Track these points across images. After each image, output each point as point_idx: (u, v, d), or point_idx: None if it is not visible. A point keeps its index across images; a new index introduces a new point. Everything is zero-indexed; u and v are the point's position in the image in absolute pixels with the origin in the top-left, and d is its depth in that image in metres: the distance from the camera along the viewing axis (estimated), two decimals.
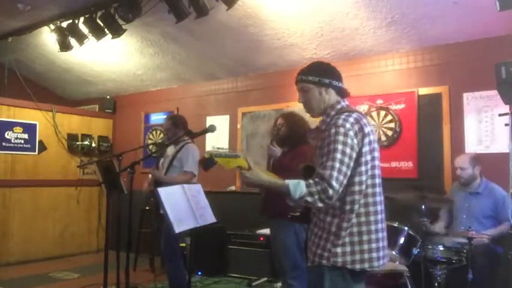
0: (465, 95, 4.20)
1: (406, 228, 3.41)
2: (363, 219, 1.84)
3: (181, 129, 4.00)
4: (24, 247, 5.90)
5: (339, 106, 1.99)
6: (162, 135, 6.39)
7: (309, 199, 1.76)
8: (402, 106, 4.51)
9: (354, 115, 1.90)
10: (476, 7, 3.68)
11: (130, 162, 3.27)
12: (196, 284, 4.68)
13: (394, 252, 3.39)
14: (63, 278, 5.18)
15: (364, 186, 1.85)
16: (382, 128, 4.58)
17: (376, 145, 1.93)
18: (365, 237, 1.83)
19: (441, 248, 3.31)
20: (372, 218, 1.85)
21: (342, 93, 2.03)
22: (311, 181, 1.78)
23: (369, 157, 1.87)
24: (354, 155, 1.82)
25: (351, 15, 4.09)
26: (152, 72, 6.11)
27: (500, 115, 3.65)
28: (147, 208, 5.47)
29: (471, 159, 3.70)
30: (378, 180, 1.91)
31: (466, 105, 4.20)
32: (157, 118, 6.57)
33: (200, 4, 3.89)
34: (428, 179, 4.27)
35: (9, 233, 5.78)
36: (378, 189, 1.90)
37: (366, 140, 1.86)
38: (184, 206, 2.95)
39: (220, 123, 5.74)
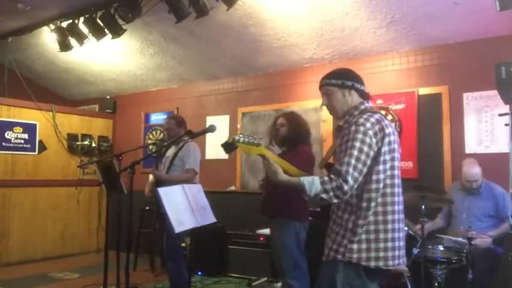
0: (465, 95, 4.20)
1: (406, 228, 3.41)
2: (380, 217, 1.86)
3: (183, 129, 4.00)
4: (24, 247, 5.90)
5: (362, 107, 2.03)
6: (162, 135, 6.39)
7: (324, 196, 1.79)
8: (402, 106, 4.51)
9: (376, 116, 1.94)
10: (476, 7, 3.68)
11: (130, 162, 3.27)
12: (196, 284, 4.68)
13: None
14: (63, 278, 5.18)
15: (381, 185, 1.87)
16: None
17: (396, 146, 1.95)
18: (381, 236, 1.85)
19: (441, 248, 3.32)
20: (389, 217, 1.86)
21: (365, 96, 2.08)
22: (326, 178, 1.82)
23: (388, 157, 1.89)
24: (372, 153, 1.85)
25: (351, 15, 4.09)
26: (152, 72, 6.11)
27: (500, 115, 3.65)
28: (147, 208, 5.47)
29: (479, 167, 3.65)
30: (397, 181, 1.93)
31: (466, 105, 4.19)
32: (157, 118, 6.57)
33: (200, 4, 3.89)
34: (428, 179, 4.27)
35: (9, 233, 5.78)
36: (397, 189, 1.92)
37: (386, 140, 1.88)
38: (184, 206, 2.95)
39: (220, 123, 5.74)
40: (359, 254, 1.84)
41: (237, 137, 1.94)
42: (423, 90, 4.43)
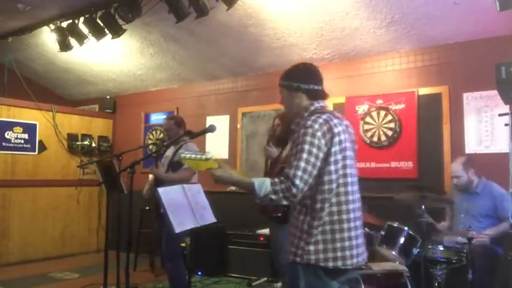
0: (465, 95, 4.20)
1: (406, 228, 3.41)
2: (335, 217, 1.86)
3: (183, 129, 4.01)
4: (24, 247, 5.90)
5: (312, 108, 2.02)
6: (162, 135, 6.39)
7: (273, 197, 1.80)
8: (402, 106, 4.51)
9: (324, 116, 1.93)
10: (476, 7, 3.68)
11: (130, 162, 3.27)
12: (196, 284, 4.68)
13: (394, 252, 3.40)
14: (63, 278, 5.18)
15: (334, 185, 1.87)
16: (382, 128, 4.58)
17: (348, 144, 1.94)
18: (337, 236, 1.85)
19: (441, 248, 3.31)
20: (344, 217, 1.87)
21: (316, 95, 2.05)
22: (276, 180, 1.82)
23: (339, 156, 1.89)
24: (321, 154, 1.85)
25: (351, 15, 4.09)
26: (152, 72, 6.11)
27: (500, 115, 3.65)
28: (147, 208, 5.47)
29: (464, 165, 3.64)
30: (350, 179, 1.92)
31: (466, 105, 4.19)
32: (157, 118, 6.57)
33: (200, 4, 3.89)
34: (428, 179, 4.27)
35: (9, 233, 5.78)
36: (351, 188, 1.92)
37: (336, 140, 1.88)
38: (184, 206, 2.95)
39: (220, 123, 5.74)
40: (316, 255, 1.84)
41: (182, 155, 1.95)
42: (423, 90, 4.43)
